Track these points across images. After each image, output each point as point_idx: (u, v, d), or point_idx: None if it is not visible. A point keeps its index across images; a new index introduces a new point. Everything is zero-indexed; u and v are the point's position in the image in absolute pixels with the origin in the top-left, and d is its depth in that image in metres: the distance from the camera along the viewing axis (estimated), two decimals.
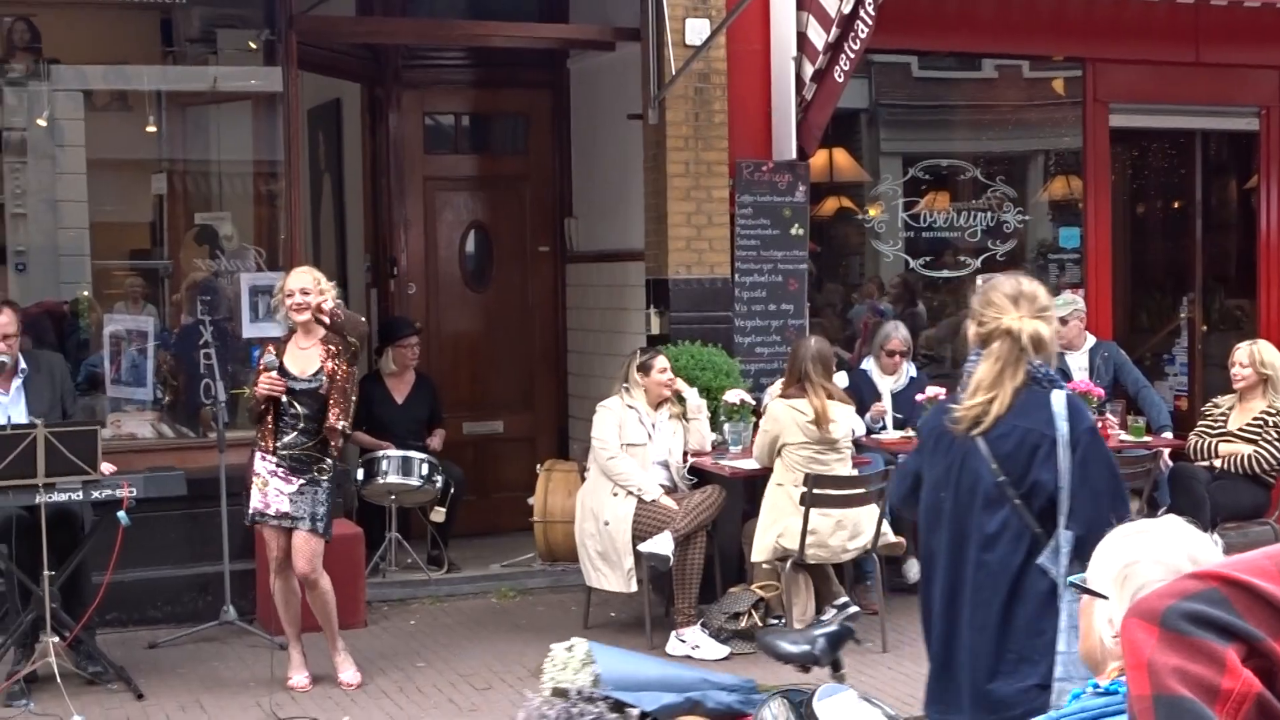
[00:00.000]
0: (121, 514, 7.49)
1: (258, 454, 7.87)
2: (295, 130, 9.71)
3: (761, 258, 10.15)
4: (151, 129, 11.21)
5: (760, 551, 8.54)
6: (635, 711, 4.47)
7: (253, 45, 10.29)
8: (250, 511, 7.86)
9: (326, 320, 7.71)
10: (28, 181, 11.85)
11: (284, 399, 7.78)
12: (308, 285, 7.73)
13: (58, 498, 7.46)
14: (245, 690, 7.84)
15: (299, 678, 7.92)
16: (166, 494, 7.87)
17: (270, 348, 7.93)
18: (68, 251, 12.02)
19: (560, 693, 4.53)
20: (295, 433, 7.79)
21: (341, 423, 7.81)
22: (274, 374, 7.73)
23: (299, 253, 9.67)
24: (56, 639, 7.54)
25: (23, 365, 7.96)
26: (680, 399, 8.95)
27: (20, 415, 7.82)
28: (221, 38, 10.97)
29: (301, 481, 7.80)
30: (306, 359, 7.84)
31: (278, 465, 7.80)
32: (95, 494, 7.56)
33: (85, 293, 11.90)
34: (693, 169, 9.91)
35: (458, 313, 11.65)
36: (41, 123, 11.21)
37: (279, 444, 7.78)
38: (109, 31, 11.56)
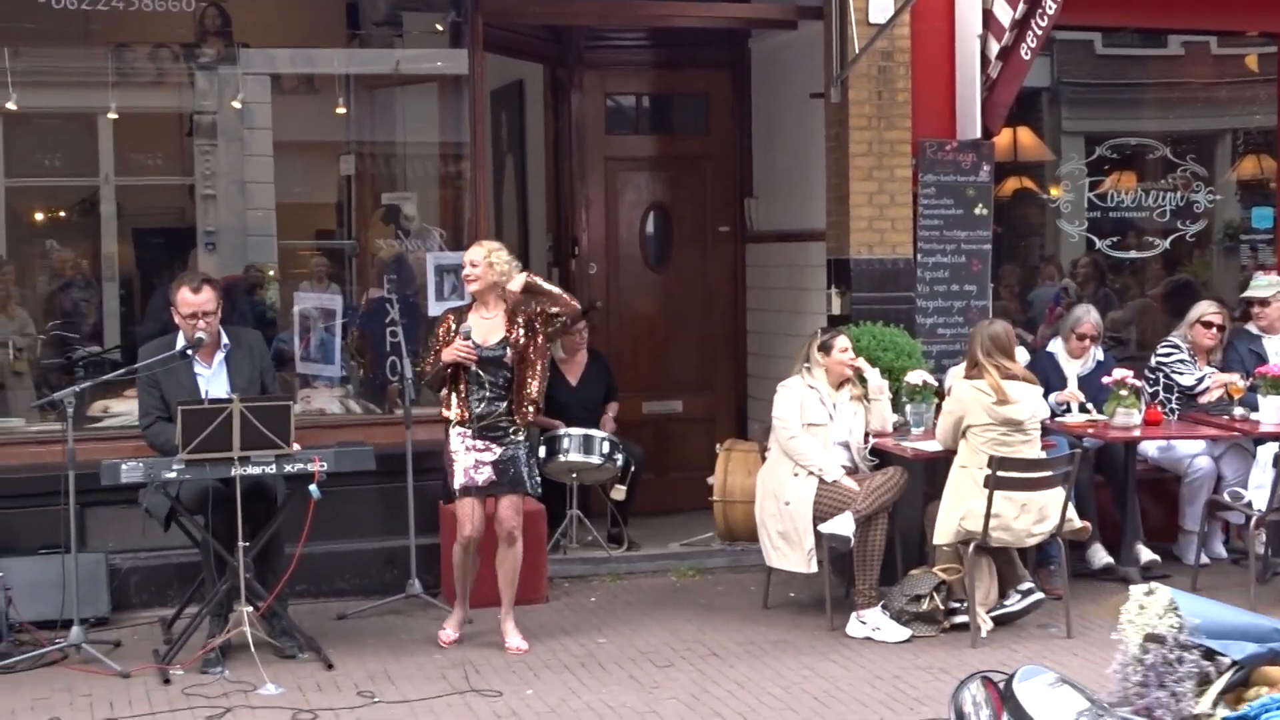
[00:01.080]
0: (313, 488, 7.66)
1: (454, 431, 8.09)
2: (480, 112, 9.81)
3: (944, 238, 10.07)
4: (340, 111, 11.40)
5: (942, 534, 8.47)
6: (1225, 660, 4.46)
7: (439, 28, 10.41)
8: (457, 486, 8.08)
9: (518, 289, 8.03)
10: (217, 163, 12.13)
11: (472, 368, 8.01)
12: (476, 258, 8.10)
13: (252, 471, 7.66)
14: (431, 662, 7.97)
15: (448, 632, 8.27)
16: (356, 469, 8.03)
17: (451, 317, 8.15)
18: (255, 232, 12.28)
19: (1155, 639, 4.52)
20: (485, 402, 8.05)
21: (536, 391, 8.14)
22: (468, 342, 7.94)
23: (484, 233, 9.76)
24: (250, 608, 7.73)
25: (224, 340, 8.17)
26: (862, 379, 8.90)
27: (221, 390, 8.03)
28: (407, 20, 11.13)
29: (500, 449, 8.06)
30: (490, 328, 8.10)
31: (476, 437, 8.05)
32: (288, 467, 7.74)
33: (271, 272, 12.16)
34: (875, 148, 9.85)
35: (638, 293, 11.70)
36: (236, 104, 11.45)
37: (472, 415, 8.03)
38: (296, 15, 11.77)
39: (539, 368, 8.16)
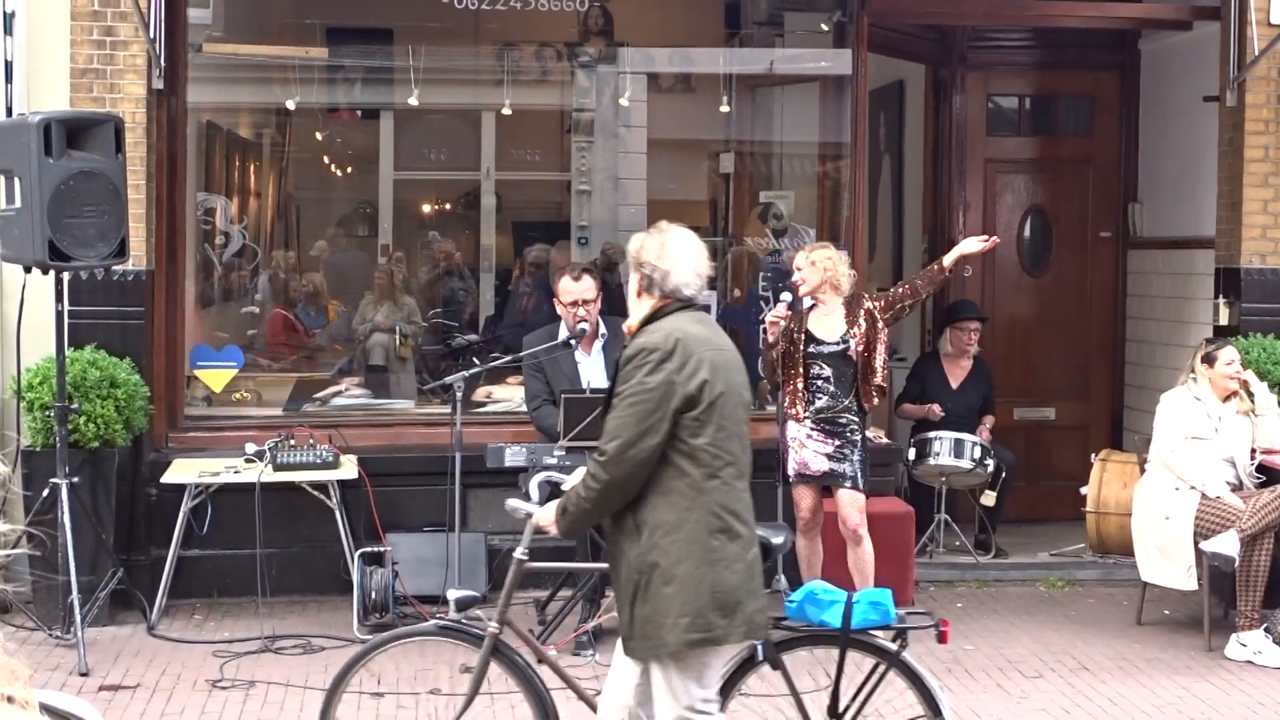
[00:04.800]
0: None
1: (790, 423, 8.22)
2: (862, 112, 9.80)
3: None
4: (724, 110, 11.54)
5: None
6: None
7: (824, 27, 10.44)
8: (790, 473, 8.23)
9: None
10: (594, 160, 12.41)
11: (818, 363, 8.16)
12: (799, 263, 8.35)
13: None
14: (795, 657, 7.95)
15: None
16: None
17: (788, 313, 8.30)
18: (626, 227, 12.51)
19: None
20: (826, 396, 8.17)
21: (880, 379, 8.24)
22: (781, 305, 8.16)
23: (861, 232, 9.80)
24: None
25: (603, 330, 8.39)
26: (1249, 394, 8.58)
27: (600, 379, 8.23)
28: (789, 20, 11.20)
29: (838, 442, 8.15)
30: (831, 324, 8.23)
31: (813, 428, 8.16)
32: None
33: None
34: (1272, 154, 9.50)
35: (1013, 297, 11.53)
36: (623, 102, 11.69)
37: (812, 408, 8.16)
38: (676, 15, 11.97)
39: (881, 357, 8.25)
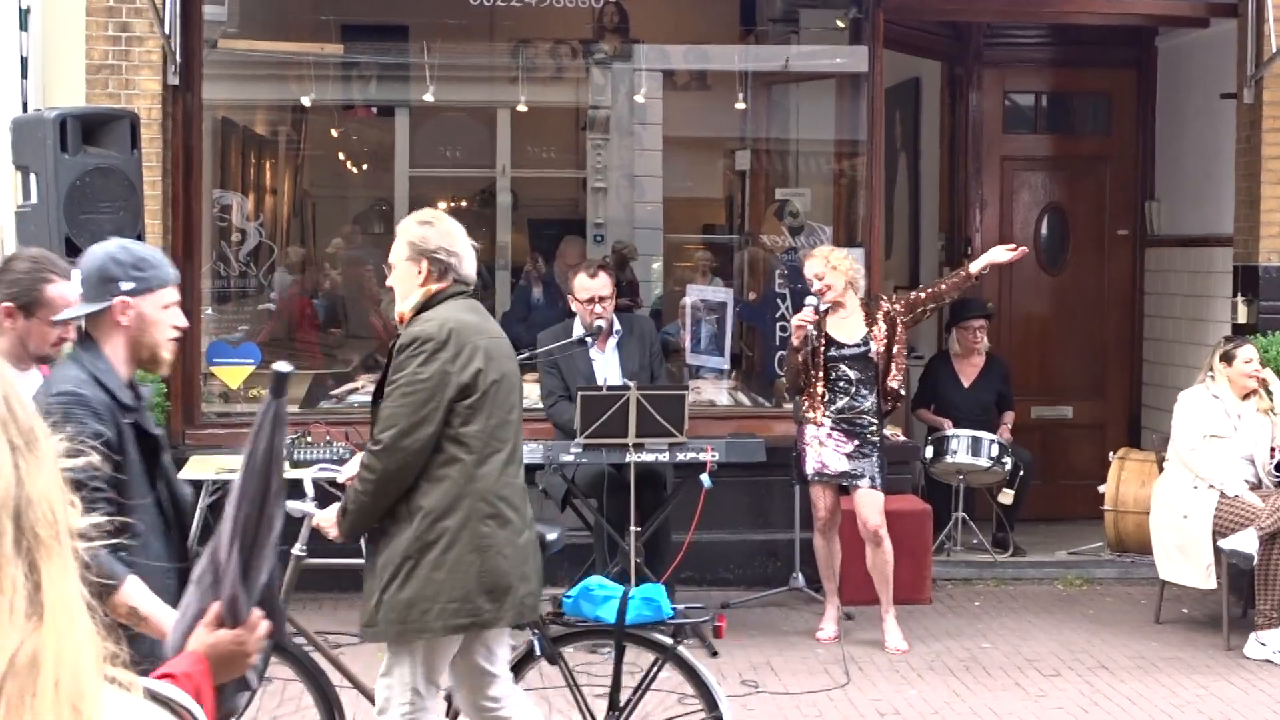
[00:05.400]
0: (704, 477, 7.76)
1: (807, 426, 8.15)
2: (878, 109, 9.76)
3: None
4: (737, 106, 11.53)
5: None
6: None
7: (839, 24, 10.41)
8: (809, 473, 8.17)
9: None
10: (609, 157, 12.41)
11: (839, 366, 8.12)
12: (818, 269, 8.19)
13: (646, 458, 7.81)
14: (814, 656, 7.99)
15: (828, 629, 8.28)
16: (746, 460, 8.11)
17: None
18: (642, 225, 12.52)
19: None
20: (847, 397, 8.12)
21: (896, 383, 8.21)
22: (809, 309, 8.01)
23: (878, 230, 9.77)
24: None
25: (617, 326, 8.39)
26: (1268, 392, 8.55)
27: (614, 375, 8.25)
28: (804, 17, 11.17)
29: (856, 442, 8.11)
30: (850, 327, 8.19)
31: (832, 428, 8.12)
32: (680, 456, 7.87)
33: (656, 264, 12.39)
34: None
35: (1030, 295, 11.48)
36: (639, 99, 11.68)
37: (832, 409, 8.10)
38: (691, 12, 11.96)
39: (901, 360, 8.26)
